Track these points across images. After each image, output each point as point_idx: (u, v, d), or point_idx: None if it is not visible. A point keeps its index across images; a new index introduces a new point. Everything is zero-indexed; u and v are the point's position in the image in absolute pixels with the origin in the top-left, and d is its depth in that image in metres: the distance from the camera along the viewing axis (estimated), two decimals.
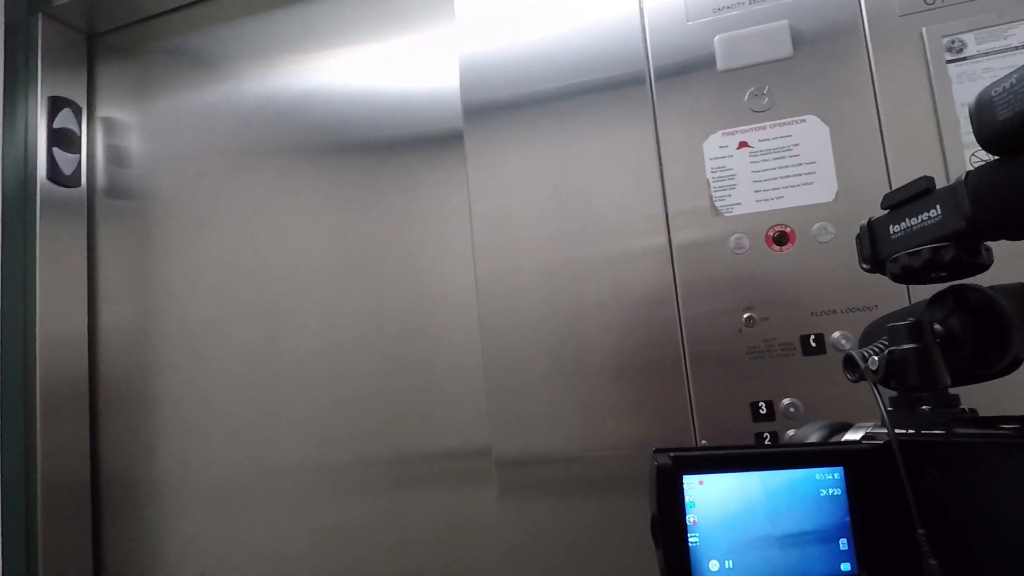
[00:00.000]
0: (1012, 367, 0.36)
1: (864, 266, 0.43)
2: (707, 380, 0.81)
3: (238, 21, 1.14)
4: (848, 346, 0.76)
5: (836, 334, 0.77)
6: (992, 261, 0.37)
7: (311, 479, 1.03)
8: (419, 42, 1.05)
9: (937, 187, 0.37)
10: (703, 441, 0.81)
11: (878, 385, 0.36)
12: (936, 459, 0.34)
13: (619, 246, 0.86)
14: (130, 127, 1.21)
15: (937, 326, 0.36)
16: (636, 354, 0.84)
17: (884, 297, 0.74)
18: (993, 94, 0.31)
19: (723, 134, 0.82)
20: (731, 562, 0.34)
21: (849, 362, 0.38)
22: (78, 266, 1.17)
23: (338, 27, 1.09)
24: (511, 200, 0.90)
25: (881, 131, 0.77)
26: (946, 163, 0.74)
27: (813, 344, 0.77)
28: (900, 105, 0.76)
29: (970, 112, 0.33)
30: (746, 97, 0.82)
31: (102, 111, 1.22)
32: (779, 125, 0.80)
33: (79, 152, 1.17)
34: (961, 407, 0.37)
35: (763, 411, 0.78)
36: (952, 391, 0.37)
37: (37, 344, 1.07)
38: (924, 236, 0.36)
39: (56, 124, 1.11)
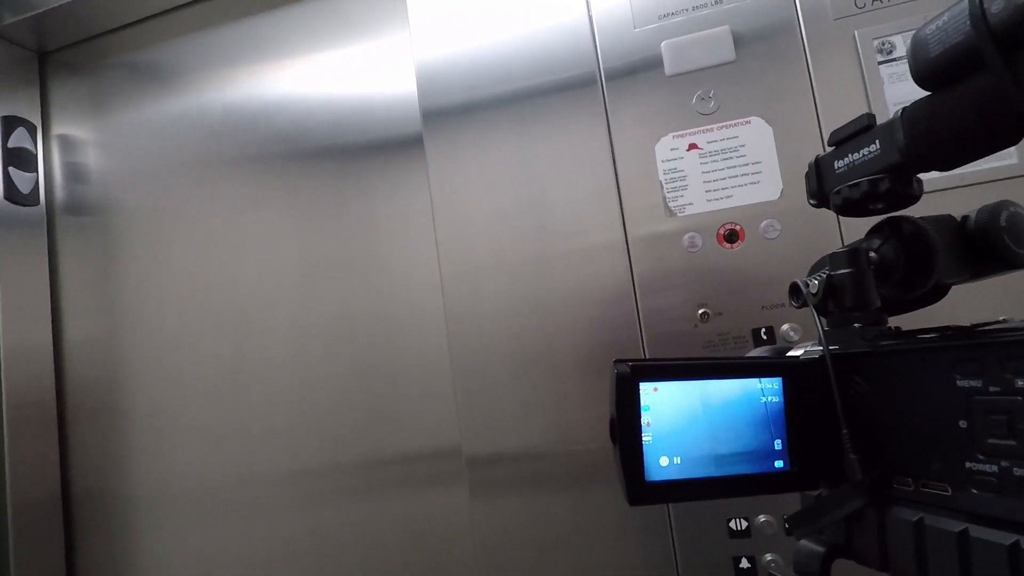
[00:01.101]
0: (936, 293, 0.39)
1: (811, 201, 0.45)
2: None
3: (192, 35, 1.14)
4: (796, 338, 0.80)
5: (785, 326, 0.80)
6: (922, 192, 0.40)
7: (284, 487, 1.04)
8: (374, 49, 1.06)
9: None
10: None
11: (815, 308, 0.40)
12: (863, 370, 0.37)
13: (578, 245, 0.88)
14: (87, 143, 1.20)
15: (872, 253, 0.39)
16: (599, 349, 0.87)
17: None
18: (927, 32, 0.33)
19: (673, 136, 0.85)
20: (679, 458, 0.38)
21: (794, 290, 0.41)
22: (40, 283, 1.17)
23: (292, 38, 1.09)
24: (472, 202, 0.92)
25: (820, 130, 0.80)
26: None
27: (764, 336, 0.81)
28: (837, 104, 0.80)
29: (907, 52, 0.34)
30: (693, 100, 0.85)
31: (58, 128, 1.21)
32: (726, 127, 0.83)
33: (36, 171, 1.16)
34: (888, 326, 0.40)
35: None
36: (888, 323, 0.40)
37: (1, 360, 1.06)
38: (864, 170, 0.39)
39: (11, 144, 1.10)
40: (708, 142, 0.84)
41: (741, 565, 0.80)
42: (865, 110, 0.79)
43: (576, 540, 0.87)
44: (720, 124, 0.84)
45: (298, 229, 1.09)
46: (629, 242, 0.86)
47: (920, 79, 0.34)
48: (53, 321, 1.16)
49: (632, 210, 0.87)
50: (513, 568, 0.88)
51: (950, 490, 0.33)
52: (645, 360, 0.40)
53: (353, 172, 1.07)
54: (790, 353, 0.44)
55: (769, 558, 0.79)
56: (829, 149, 0.43)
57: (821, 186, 0.43)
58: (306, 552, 1.02)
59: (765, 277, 0.82)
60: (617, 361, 0.39)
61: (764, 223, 0.82)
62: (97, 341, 1.16)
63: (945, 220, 0.39)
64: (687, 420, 0.39)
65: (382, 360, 1.02)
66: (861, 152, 0.39)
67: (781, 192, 0.82)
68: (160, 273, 1.14)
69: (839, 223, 0.79)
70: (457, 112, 0.94)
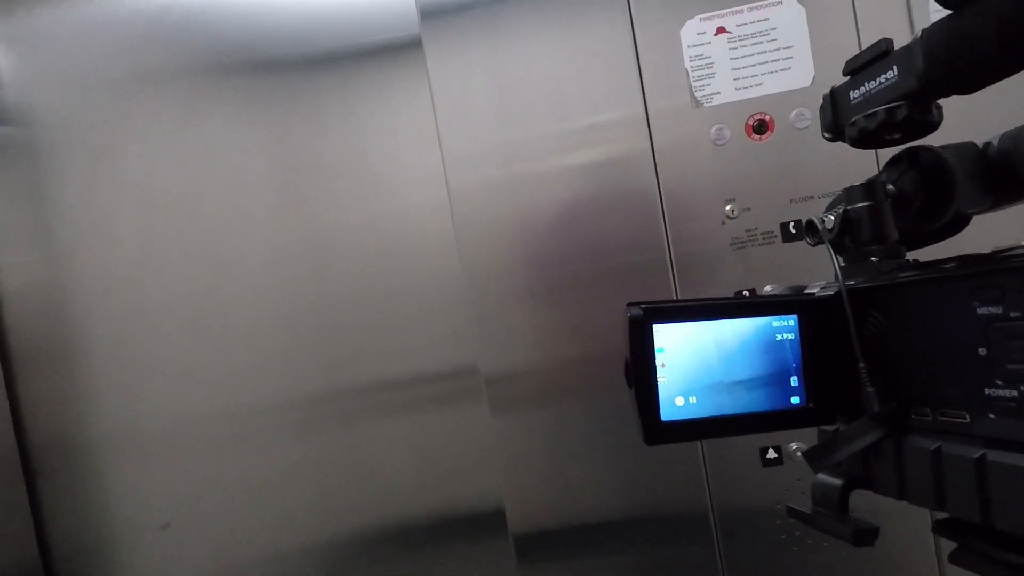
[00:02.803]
0: (957, 223, 0.38)
1: (826, 135, 0.43)
2: (692, 276, 0.82)
3: None
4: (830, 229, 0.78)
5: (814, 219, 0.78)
6: (942, 119, 0.38)
7: (275, 418, 0.98)
8: None
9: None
10: None
11: (831, 244, 0.39)
12: (880, 303, 0.37)
13: (598, 148, 0.83)
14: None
15: (890, 186, 0.38)
16: (621, 258, 0.84)
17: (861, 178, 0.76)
18: None
19: (700, 19, 0.79)
20: (695, 398, 0.38)
21: (809, 226, 0.41)
22: None
23: None
24: (479, 107, 0.85)
25: (855, 10, 0.76)
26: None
27: (793, 231, 0.79)
28: None
29: None
30: None
31: None
32: (756, 8, 0.78)
33: None
34: (906, 258, 0.39)
35: None
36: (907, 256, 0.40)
37: None
38: (881, 98, 0.37)
39: None
40: (737, 25, 0.79)
41: (768, 455, 0.81)
42: None
43: (599, 449, 0.86)
44: (750, 5, 0.79)
45: (270, 143, 0.98)
46: (652, 136, 0.82)
47: None
48: None
49: (655, 101, 0.82)
50: (536, 481, 0.87)
51: (968, 417, 0.33)
52: (658, 302, 0.39)
53: (333, 81, 0.95)
54: (807, 290, 0.44)
55: (795, 446, 0.80)
56: (844, 79, 0.40)
57: (836, 118, 0.41)
58: (308, 480, 0.96)
59: (795, 169, 0.79)
60: (630, 304, 0.39)
61: (795, 112, 0.79)
62: (34, 278, 1.01)
63: (966, 147, 0.37)
64: (702, 360, 0.39)
65: (379, 281, 0.94)
66: (878, 80, 0.37)
67: (813, 79, 0.78)
68: (106, 193, 1.00)
69: None
70: (460, 8, 0.84)
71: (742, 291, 0.81)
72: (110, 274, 1.00)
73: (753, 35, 0.79)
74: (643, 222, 0.83)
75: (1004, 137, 0.37)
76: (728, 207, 0.81)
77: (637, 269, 0.84)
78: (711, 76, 0.80)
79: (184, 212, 0.98)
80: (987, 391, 0.31)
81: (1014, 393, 0.30)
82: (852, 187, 0.38)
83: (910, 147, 0.39)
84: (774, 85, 0.79)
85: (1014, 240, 0.41)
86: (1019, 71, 0.31)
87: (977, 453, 0.31)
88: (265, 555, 0.98)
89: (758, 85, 0.79)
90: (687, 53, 0.80)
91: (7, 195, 1.02)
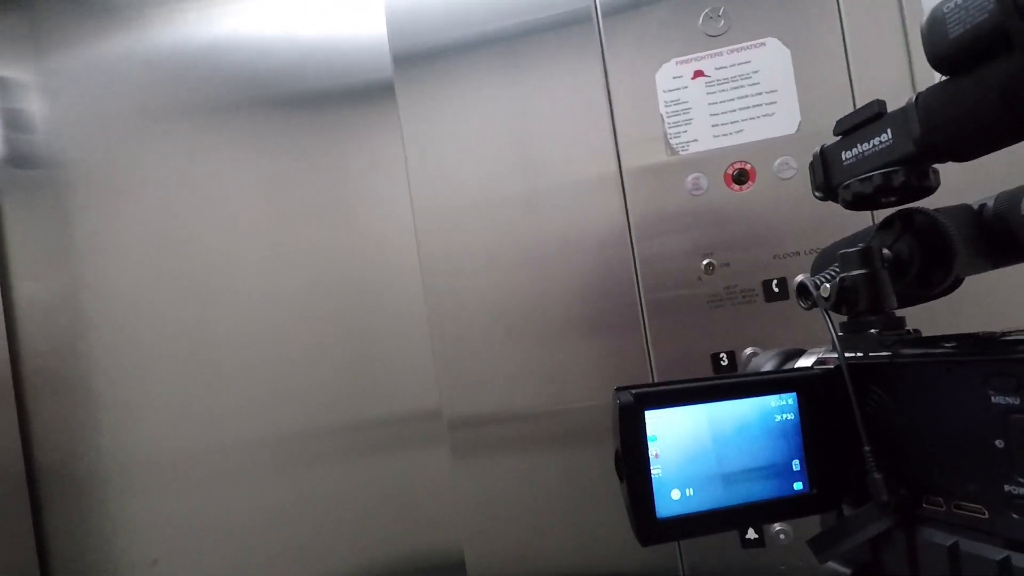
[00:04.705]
0: (955, 286, 0.37)
1: (817, 194, 0.43)
2: (666, 331, 0.77)
3: None
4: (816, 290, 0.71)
5: (800, 277, 0.71)
6: (939, 184, 0.37)
7: (260, 455, 0.98)
8: None
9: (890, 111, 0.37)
10: None
11: (829, 312, 0.38)
12: (882, 380, 0.36)
13: (569, 195, 0.80)
14: (28, 87, 1.09)
15: (886, 251, 0.37)
16: (590, 306, 0.80)
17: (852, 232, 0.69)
18: (945, 10, 0.30)
19: (676, 63, 0.75)
20: (692, 490, 0.36)
21: (802, 290, 0.39)
22: None
23: None
24: (450, 153, 0.84)
25: (846, 51, 0.70)
26: (915, 86, 0.68)
27: (776, 289, 0.73)
28: (866, 20, 0.69)
29: (921, 31, 0.31)
30: (700, 20, 0.74)
31: None
32: (737, 51, 0.73)
33: None
34: (906, 328, 0.38)
35: (724, 362, 0.74)
36: (898, 313, 0.38)
37: None
38: (875, 161, 0.37)
39: None
40: (716, 68, 0.74)
41: (748, 535, 0.74)
42: (898, 25, 0.68)
43: (564, 500, 0.82)
44: (730, 47, 0.74)
45: (264, 182, 0.99)
46: (625, 187, 0.78)
47: (937, 62, 0.31)
48: (2, 287, 1.07)
49: (629, 149, 0.78)
50: (498, 529, 0.83)
51: (987, 513, 0.31)
52: (649, 386, 0.37)
53: (320, 120, 0.97)
54: (801, 361, 0.42)
55: (778, 528, 0.73)
56: (835, 138, 0.40)
57: (828, 178, 0.41)
58: (286, 520, 0.96)
59: (778, 222, 0.73)
60: (619, 389, 0.36)
61: (779, 161, 0.73)
62: (51, 306, 1.07)
63: (961, 210, 0.37)
64: (698, 448, 0.37)
65: (357, 321, 0.94)
66: (871, 142, 0.37)
67: (799, 125, 0.72)
68: (114, 231, 1.05)
69: None
70: (432, 55, 0.84)
71: (719, 353, 0.75)
72: (113, 309, 1.04)
73: (734, 78, 0.74)
74: (615, 272, 0.78)
75: (999, 198, 0.36)
76: (705, 262, 0.75)
77: (608, 318, 0.79)
78: (688, 122, 0.75)
79: (182, 250, 1.01)
80: (1007, 488, 0.29)
81: None
82: (846, 252, 0.37)
83: (902, 210, 0.38)
84: (756, 132, 0.73)
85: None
86: (1019, 141, 0.30)
87: (1000, 555, 0.29)
88: None
89: (738, 132, 0.74)
90: (662, 98, 0.76)
91: (33, 229, 1.09)
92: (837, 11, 0.70)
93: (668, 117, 0.76)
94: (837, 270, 0.37)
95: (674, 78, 0.76)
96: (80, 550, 1.06)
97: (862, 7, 0.70)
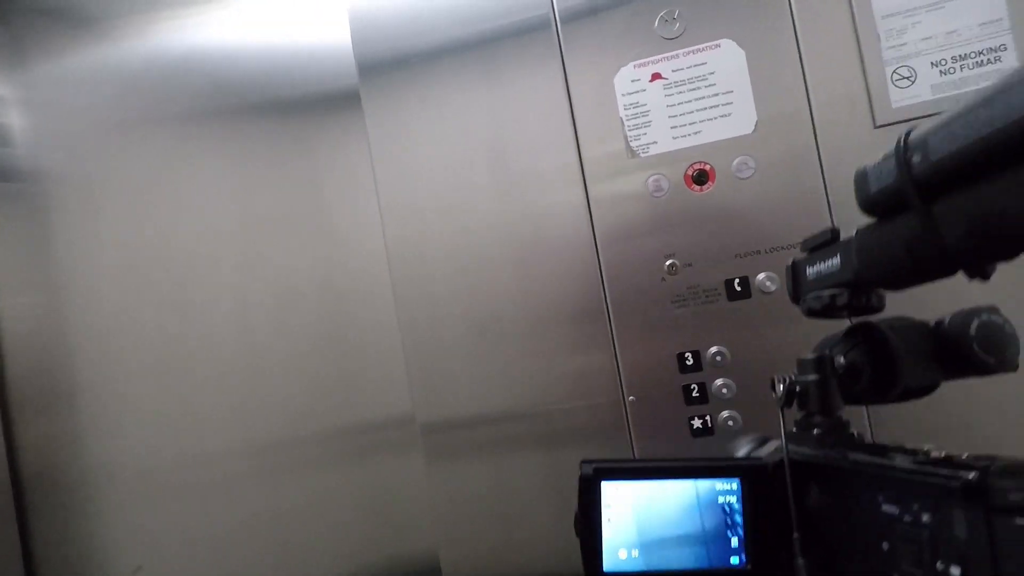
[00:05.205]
0: (906, 396, 0.40)
1: (792, 300, 0.46)
2: (632, 332, 0.77)
3: None
4: (773, 288, 0.72)
5: (761, 276, 0.73)
6: (883, 305, 0.41)
7: (238, 463, 0.99)
8: None
9: (841, 235, 0.40)
10: (631, 398, 0.77)
11: (783, 410, 0.41)
12: (817, 476, 0.40)
13: (532, 198, 0.81)
14: (5, 100, 1.09)
15: (840, 359, 0.41)
16: (557, 310, 0.80)
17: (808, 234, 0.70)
18: (867, 169, 0.35)
19: (635, 66, 0.76)
20: (637, 551, 0.42)
21: (772, 385, 0.43)
22: None
23: None
24: (416, 159, 0.84)
25: (799, 51, 0.71)
26: (867, 83, 0.68)
27: (738, 288, 0.74)
28: (818, 21, 0.70)
29: (854, 179, 0.36)
30: (656, 23, 0.75)
31: None
32: (692, 52, 0.74)
33: None
34: (851, 432, 0.41)
35: (690, 362, 0.75)
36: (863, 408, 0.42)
37: None
38: (828, 281, 0.41)
39: None
40: (673, 70, 0.75)
41: None
42: (850, 25, 0.69)
43: (538, 502, 0.83)
44: (687, 49, 0.74)
45: (237, 191, 1.00)
46: (588, 189, 0.78)
47: (863, 209, 0.36)
48: None
49: (590, 153, 0.78)
50: (471, 533, 0.84)
51: None
52: (608, 461, 0.43)
53: (291, 128, 0.97)
54: (765, 448, 0.46)
55: None
56: (802, 255, 0.44)
57: (796, 289, 0.45)
58: (267, 526, 0.97)
59: (738, 222, 0.74)
60: (583, 462, 0.43)
61: (737, 160, 0.73)
62: (34, 320, 1.08)
63: (917, 326, 0.40)
64: (646, 516, 0.42)
65: (330, 329, 0.95)
66: (827, 263, 0.41)
67: (755, 125, 0.73)
68: (93, 243, 1.06)
69: (820, 159, 0.70)
70: (397, 63, 0.86)
71: (684, 353, 0.75)
72: (94, 321, 1.05)
73: (690, 80, 0.74)
74: (580, 275, 0.79)
75: (953, 318, 0.39)
76: (668, 263, 0.76)
77: (575, 321, 0.80)
78: (647, 124, 0.76)
79: (159, 261, 1.02)
80: None
81: None
82: (803, 360, 0.41)
83: (861, 322, 0.41)
84: (714, 132, 0.74)
85: None
86: (928, 282, 0.34)
87: None
88: None
89: (697, 133, 0.74)
90: (621, 101, 0.76)
91: (13, 243, 1.10)
92: (789, 12, 0.71)
93: (628, 120, 0.76)
94: (794, 375, 0.42)
95: (632, 81, 0.76)
96: (65, 557, 1.07)
97: (814, 8, 0.70)
